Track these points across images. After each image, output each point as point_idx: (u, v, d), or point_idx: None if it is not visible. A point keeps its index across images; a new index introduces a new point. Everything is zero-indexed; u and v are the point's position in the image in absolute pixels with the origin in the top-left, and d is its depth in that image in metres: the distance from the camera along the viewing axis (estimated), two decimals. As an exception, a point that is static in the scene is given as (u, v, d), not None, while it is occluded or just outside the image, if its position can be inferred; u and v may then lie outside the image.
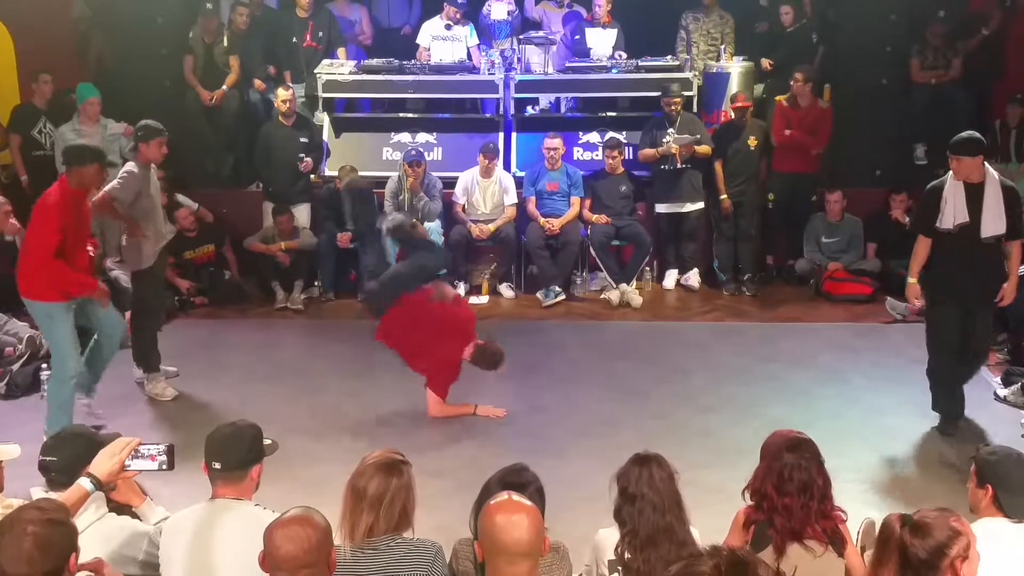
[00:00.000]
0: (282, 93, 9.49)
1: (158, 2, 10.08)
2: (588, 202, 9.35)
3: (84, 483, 3.34)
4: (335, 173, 9.51)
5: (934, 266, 6.16)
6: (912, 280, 6.26)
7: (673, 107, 9.18)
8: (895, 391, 7.01)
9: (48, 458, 3.72)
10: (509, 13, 10.12)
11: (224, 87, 10.14)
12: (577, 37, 10.28)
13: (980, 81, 10.10)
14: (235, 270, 9.51)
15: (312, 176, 9.70)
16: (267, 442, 3.75)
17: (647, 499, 3.44)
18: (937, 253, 6.11)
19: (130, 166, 6.93)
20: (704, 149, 9.23)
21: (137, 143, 7.01)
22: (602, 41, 10.04)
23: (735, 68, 9.90)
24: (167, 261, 7.66)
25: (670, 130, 9.19)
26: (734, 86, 9.76)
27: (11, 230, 7.43)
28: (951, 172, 5.98)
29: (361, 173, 9.44)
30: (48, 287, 6.05)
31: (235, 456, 3.57)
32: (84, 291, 6.21)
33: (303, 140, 9.53)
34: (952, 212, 5.93)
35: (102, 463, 3.38)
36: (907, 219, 9.24)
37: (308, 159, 9.46)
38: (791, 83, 9.35)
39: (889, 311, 8.52)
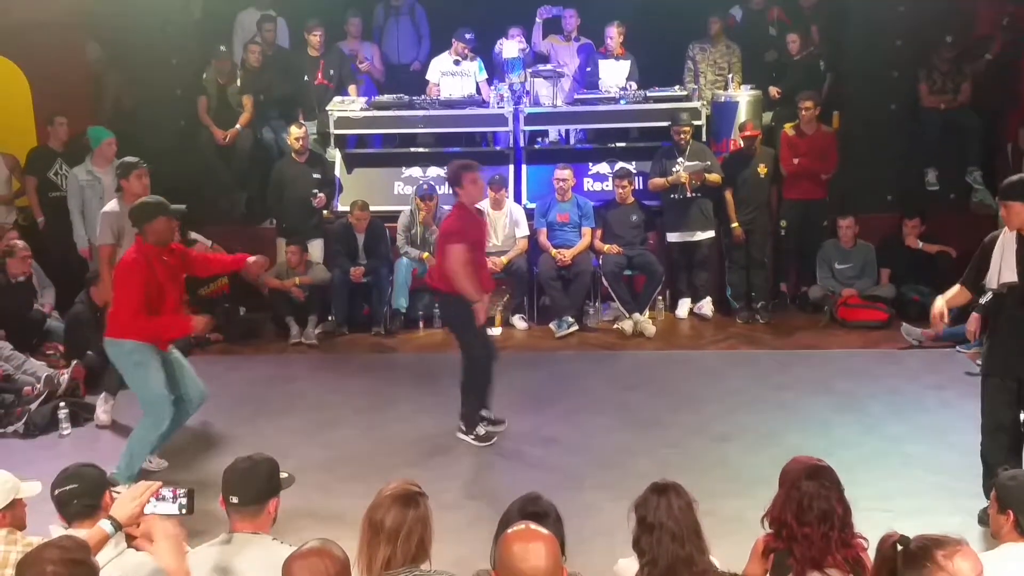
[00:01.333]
0: (295, 131, 9.59)
1: (172, 43, 10.20)
2: (599, 232, 9.38)
3: (105, 525, 3.36)
4: (347, 208, 9.57)
5: (988, 331, 5.55)
6: (940, 302, 5.59)
7: (682, 136, 9.23)
8: (912, 418, 6.97)
9: (68, 487, 3.70)
10: (520, 51, 10.22)
11: (237, 126, 10.24)
12: (589, 69, 10.36)
13: (991, 106, 10.11)
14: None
15: (325, 211, 9.76)
16: (284, 475, 3.76)
17: (666, 528, 3.42)
18: (990, 316, 5.48)
19: (109, 206, 7.12)
20: (714, 178, 9.26)
21: (119, 181, 7.19)
22: (615, 73, 10.14)
23: (743, 97, 9.95)
24: None
25: (679, 159, 9.23)
26: (743, 115, 9.80)
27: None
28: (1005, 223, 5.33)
29: (373, 208, 9.51)
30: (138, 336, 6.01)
31: (252, 490, 3.58)
32: (178, 334, 6.33)
33: (316, 176, 9.61)
34: (998, 269, 5.24)
35: (123, 506, 3.40)
36: (921, 245, 9.25)
37: (321, 195, 9.53)
38: (798, 110, 9.39)
39: (904, 337, 8.50)
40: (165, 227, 6.09)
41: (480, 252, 6.92)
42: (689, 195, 9.24)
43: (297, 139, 9.53)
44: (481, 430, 6.80)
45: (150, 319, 5.96)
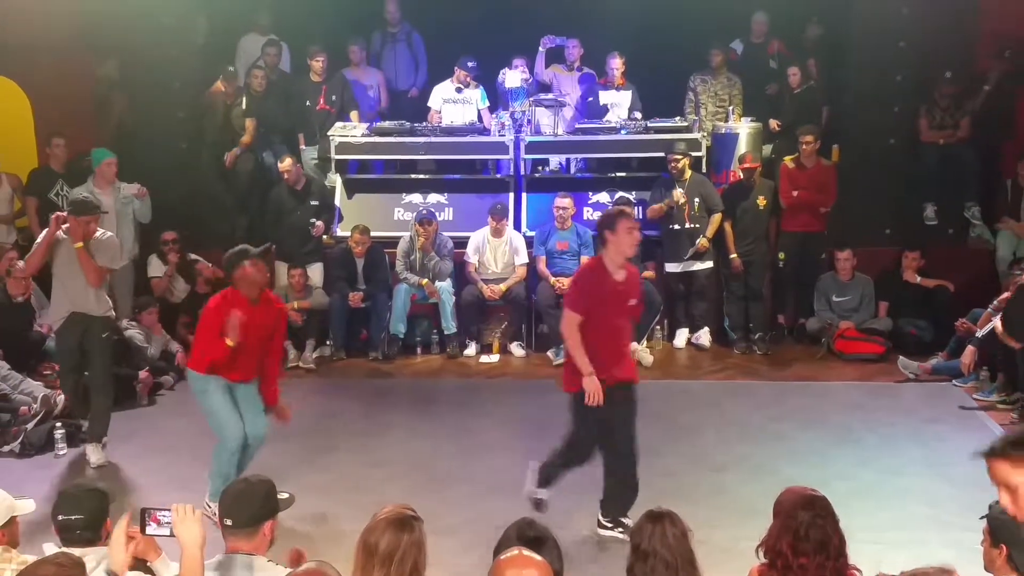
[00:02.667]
0: (283, 164, 9.60)
1: (175, 67, 10.27)
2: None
3: None
4: (347, 234, 9.60)
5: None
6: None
7: (675, 165, 9.26)
8: (908, 450, 6.98)
9: (72, 516, 3.74)
10: (524, 80, 10.32)
11: (237, 149, 10.28)
12: (591, 99, 10.43)
13: (989, 141, 10.18)
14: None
15: (325, 237, 9.79)
16: (284, 496, 3.77)
17: (660, 557, 3.41)
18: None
19: (47, 232, 6.89)
20: (714, 226, 9.32)
21: (68, 214, 6.85)
22: (617, 102, 10.23)
23: (743, 129, 10.01)
24: (89, 338, 7.04)
25: (677, 189, 9.28)
26: (742, 147, 9.87)
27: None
28: None
29: (373, 233, 9.54)
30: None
31: (246, 512, 3.58)
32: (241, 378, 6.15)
33: (313, 203, 9.63)
34: None
35: (115, 556, 3.48)
36: (919, 279, 9.28)
37: (319, 222, 9.55)
38: (799, 144, 9.45)
39: (901, 370, 8.52)
40: (252, 271, 6.05)
41: (616, 316, 5.75)
42: (687, 226, 9.28)
43: (286, 171, 9.55)
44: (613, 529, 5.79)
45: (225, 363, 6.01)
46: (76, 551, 3.43)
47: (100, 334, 7.05)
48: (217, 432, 6.14)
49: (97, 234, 6.92)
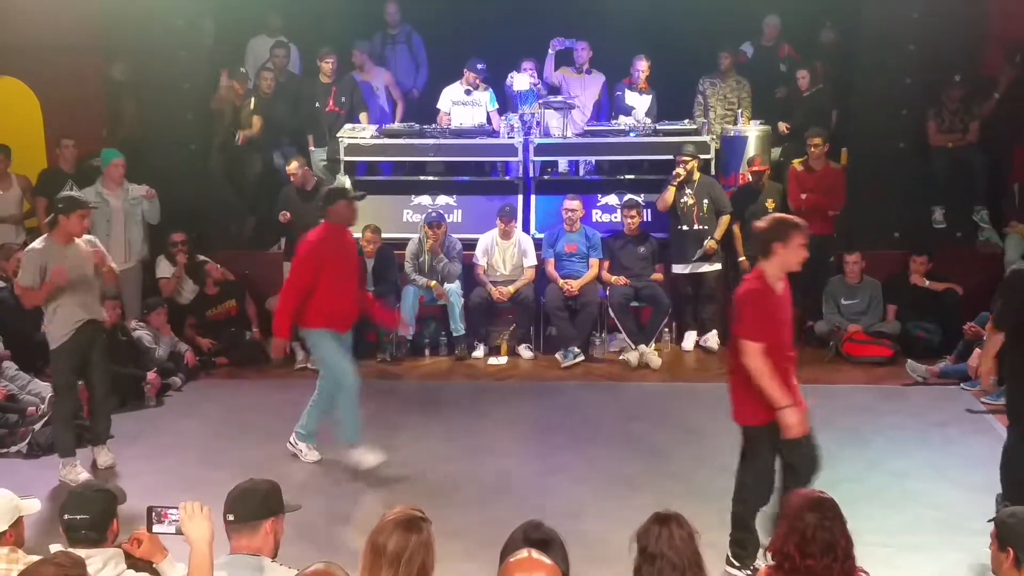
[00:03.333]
0: (291, 166, 9.59)
1: (184, 68, 10.29)
2: (607, 264, 9.41)
3: None
4: (358, 235, 9.58)
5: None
6: (988, 363, 5.66)
7: (685, 166, 9.25)
8: (916, 454, 6.96)
9: (77, 516, 3.74)
10: (532, 85, 10.34)
11: (247, 132, 10.30)
12: (618, 93, 10.47)
13: (998, 144, 10.15)
14: (256, 324, 9.55)
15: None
16: (293, 503, 3.77)
17: (667, 559, 3.41)
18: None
19: (35, 244, 6.76)
20: (722, 228, 9.33)
21: (56, 216, 6.72)
22: (639, 104, 10.28)
23: (752, 132, 10.00)
24: (102, 338, 7.09)
25: (687, 190, 9.28)
26: (751, 150, 9.86)
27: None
28: None
29: (383, 235, 9.54)
30: (313, 316, 6.79)
31: (248, 508, 3.59)
32: (347, 324, 6.95)
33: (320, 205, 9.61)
34: None
35: (196, 532, 3.52)
36: (927, 283, 9.26)
37: None
38: (808, 147, 9.43)
39: (910, 373, 8.48)
40: (345, 209, 6.93)
41: (784, 333, 5.31)
42: (696, 226, 9.27)
43: (293, 174, 9.54)
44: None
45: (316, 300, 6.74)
46: (82, 552, 3.43)
47: (102, 337, 7.06)
48: (339, 379, 6.81)
49: (87, 237, 6.82)
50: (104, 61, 10.53)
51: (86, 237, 6.85)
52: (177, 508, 3.47)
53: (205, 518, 3.39)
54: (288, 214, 9.48)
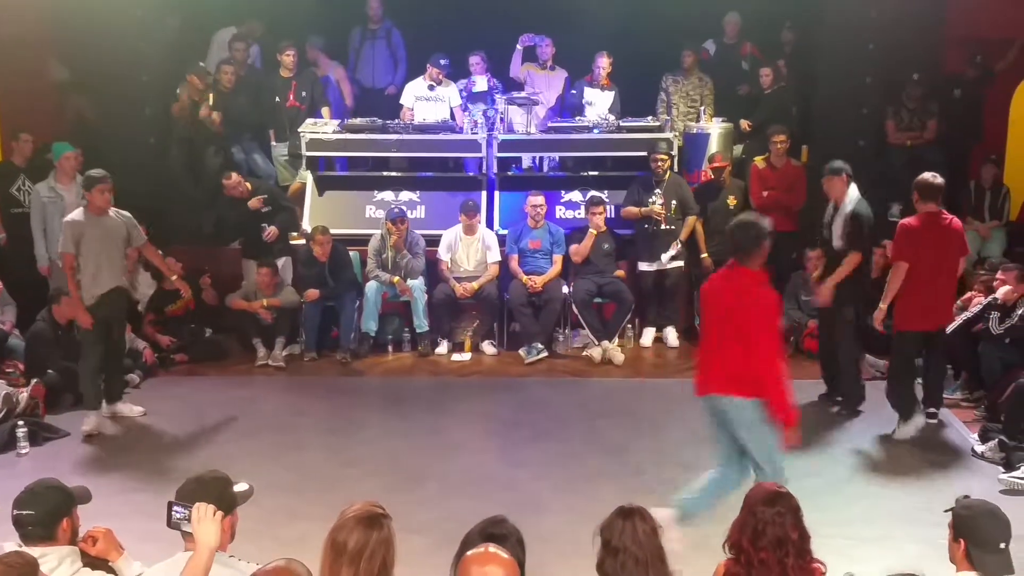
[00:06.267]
0: (227, 180, 9.46)
1: (144, 60, 10.16)
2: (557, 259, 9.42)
3: None
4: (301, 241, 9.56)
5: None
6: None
7: (659, 164, 9.28)
8: (875, 447, 7.04)
9: (24, 512, 3.69)
10: (492, 88, 10.35)
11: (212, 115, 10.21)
12: (573, 91, 10.48)
13: (957, 142, 10.29)
14: (210, 296, 9.55)
15: (293, 234, 9.73)
16: (242, 488, 3.71)
17: (630, 553, 3.42)
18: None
19: (73, 215, 7.44)
20: (688, 230, 9.38)
21: (84, 193, 7.49)
22: (600, 101, 10.28)
23: (715, 129, 10.06)
24: (116, 310, 7.62)
25: (656, 190, 9.30)
26: (713, 147, 9.90)
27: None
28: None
29: (345, 231, 9.48)
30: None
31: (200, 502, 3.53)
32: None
33: (265, 210, 9.52)
34: None
35: (206, 537, 3.39)
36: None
37: (271, 228, 9.47)
38: (770, 143, 9.49)
39: (868, 368, 8.56)
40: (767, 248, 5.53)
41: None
42: (663, 227, 9.30)
43: (231, 188, 9.44)
44: None
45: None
46: (36, 550, 3.38)
47: (126, 305, 7.76)
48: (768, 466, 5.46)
49: (114, 209, 7.41)
50: (51, 60, 10.35)
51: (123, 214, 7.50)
52: (191, 506, 3.41)
53: (215, 523, 3.33)
54: (276, 230, 9.49)
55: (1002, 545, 3.65)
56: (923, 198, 7.12)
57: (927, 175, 7.16)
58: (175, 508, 3.46)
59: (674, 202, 9.32)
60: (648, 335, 9.57)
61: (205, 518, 3.32)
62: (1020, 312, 7.49)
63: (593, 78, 10.41)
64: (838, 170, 7.55)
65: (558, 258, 9.40)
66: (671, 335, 9.52)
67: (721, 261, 9.33)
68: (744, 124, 10.36)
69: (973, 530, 3.66)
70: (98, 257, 7.31)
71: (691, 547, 4.79)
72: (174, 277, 8.35)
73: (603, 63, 10.29)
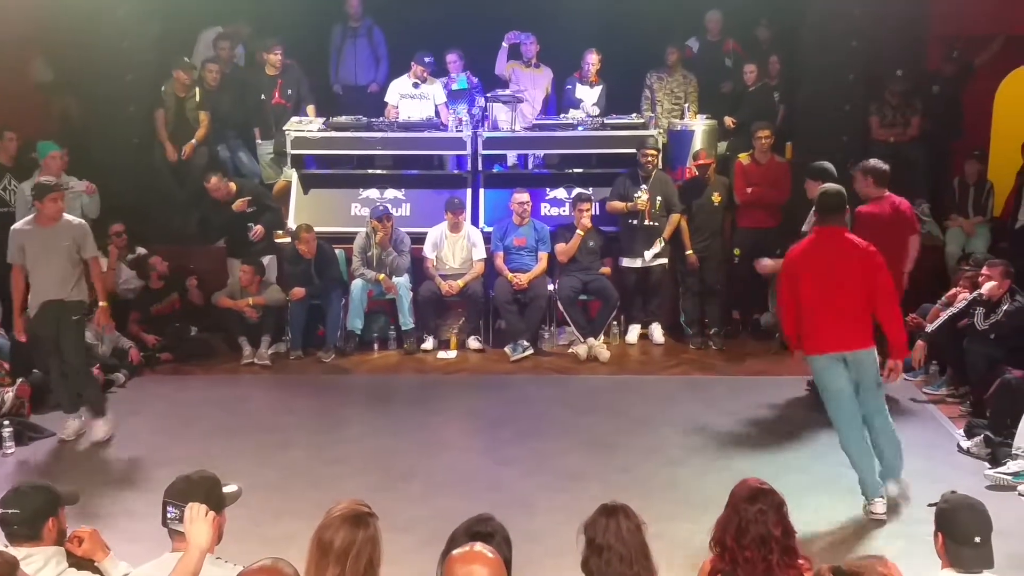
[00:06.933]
0: (209, 183, 9.35)
1: (129, 59, 10.11)
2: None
3: None
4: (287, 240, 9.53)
5: None
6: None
7: (648, 159, 9.27)
8: (860, 443, 7.05)
9: (9, 511, 3.68)
10: (472, 87, 10.34)
11: (193, 141, 10.17)
12: (568, 87, 10.48)
13: (939, 139, 10.33)
14: (196, 295, 9.51)
15: (278, 232, 9.71)
16: (231, 489, 3.72)
17: (614, 550, 3.43)
18: None
19: (18, 224, 7.31)
20: (672, 227, 9.37)
21: (33, 202, 7.23)
22: (589, 96, 10.30)
23: (699, 126, 10.08)
24: (56, 321, 7.19)
25: (643, 186, 9.31)
26: (698, 143, 9.91)
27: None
28: None
29: (330, 229, 9.46)
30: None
31: (188, 502, 3.53)
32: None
33: (249, 210, 9.48)
34: None
35: (199, 537, 3.39)
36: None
37: (257, 227, 9.44)
38: (755, 139, 9.51)
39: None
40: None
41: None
42: (647, 223, 9.32)
43: (212, 190, 9.34)
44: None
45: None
46: (22, 550, 3.37)
47: (71, 317, 7.21)
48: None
49: (66, 218, 7.19)
50: (44, 53, 10.29)
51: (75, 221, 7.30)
52: (184, 506, 3.41)
53: (207, 523, 3.33)
54: (262, 229, 9.44)
55: (977, 539, 3.64)
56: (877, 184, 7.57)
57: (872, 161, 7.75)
58: (169, 507, 3.46)
59: (659, 198, 9.34)
60: (634, 332, 9.59)
61: (197, 518, 3.32)
62: (1005, 308, 7.53)
63: (583, 75, 10.43)
64: (816, 175, 7.65)
65: (543, 255, 9.41)
66: (656, 332, 9.54)
67: (706, 257, 9.44)
68: (728, 121, 10.38)
69: (951, 523, 3.70)
70: (37, 267, 7.14)
71: (675, 544, 4.82)
72: (102, 304, 7.48)
73: (592, 59, 10.30)
